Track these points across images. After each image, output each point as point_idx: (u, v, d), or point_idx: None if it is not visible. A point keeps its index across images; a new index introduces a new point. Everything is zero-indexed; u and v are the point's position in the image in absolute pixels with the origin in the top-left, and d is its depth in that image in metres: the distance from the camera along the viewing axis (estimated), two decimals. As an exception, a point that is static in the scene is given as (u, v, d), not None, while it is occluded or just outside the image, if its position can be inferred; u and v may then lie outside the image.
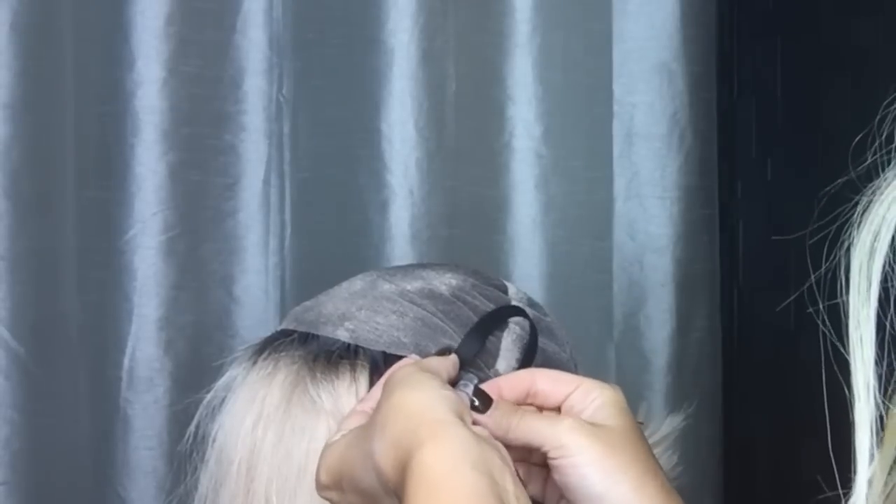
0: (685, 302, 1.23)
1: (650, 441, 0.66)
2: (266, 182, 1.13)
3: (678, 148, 1.22)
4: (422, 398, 0.55)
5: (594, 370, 0.68)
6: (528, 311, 0.69)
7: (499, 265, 1.18)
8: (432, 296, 0.66)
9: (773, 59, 1.25)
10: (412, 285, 0.67)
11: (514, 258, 1.20)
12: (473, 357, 0.64)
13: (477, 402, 0.59)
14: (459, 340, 0.64)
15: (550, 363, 0.67)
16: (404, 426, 0.53)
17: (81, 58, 1.05)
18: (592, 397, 0.61)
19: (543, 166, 1.19)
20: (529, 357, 0.67)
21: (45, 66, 1.00)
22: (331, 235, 1.13)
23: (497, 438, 0.57)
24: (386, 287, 0.67)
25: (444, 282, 0.67)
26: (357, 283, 0.68)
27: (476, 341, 0.65)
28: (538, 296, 0.95)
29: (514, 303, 0.69)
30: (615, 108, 1.22)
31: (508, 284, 0.72)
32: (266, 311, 1.12)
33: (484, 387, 0.61)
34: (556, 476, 0.59)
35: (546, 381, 0.62)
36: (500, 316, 0.67)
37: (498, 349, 0.66)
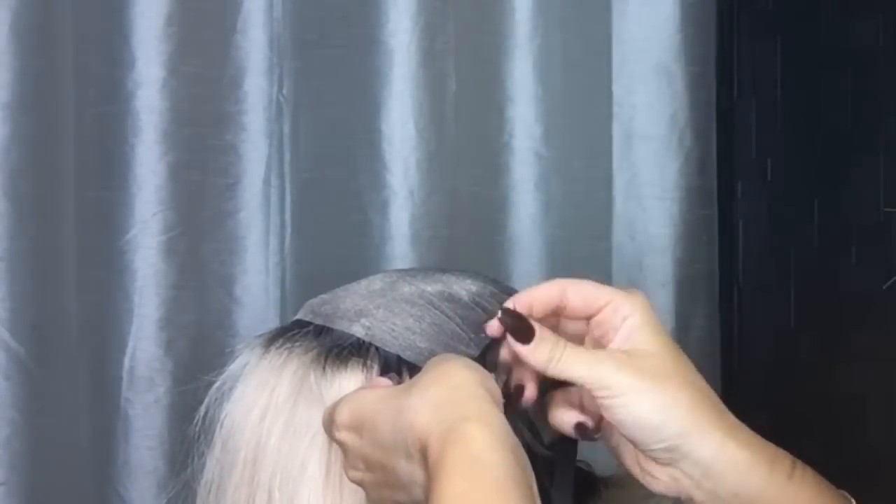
0: (685, 302, 1.22)
1: None
2: (266, 182, 1.13)
3: (678, 148, 1.22)
4: (471, 377, 0.56)
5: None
6: None
7: (499, 265, 1.18)
8: (452, 299, 0.66)
9: (773, 59, 1.25)
10: (432, 287, 0.66)
11: (514, 258, 1.20)
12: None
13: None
14: (475, 346, 0.64)
15: None
16: (450, 395, 0.54)
17: (81, 58, 1.05)
18: (623, 315, 0.60)
19: (543, 166, 1.20)
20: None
21: (45, 66, 1.00)
22: (331, 236, 1.13)
23: (536, 370, 0.58)
24: (406, 289, 0.66)
25: (464, 287, 0.67)
26: (377, 282, 0.68)
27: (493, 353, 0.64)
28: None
29: None
30: (615, 108, 1.22)
31: None
32: (266, 311, 1.12)
33: (516, 300, 0.60)
34: (605, 414, 0.57)
35: (576, 296, 0.61)
36: None
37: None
